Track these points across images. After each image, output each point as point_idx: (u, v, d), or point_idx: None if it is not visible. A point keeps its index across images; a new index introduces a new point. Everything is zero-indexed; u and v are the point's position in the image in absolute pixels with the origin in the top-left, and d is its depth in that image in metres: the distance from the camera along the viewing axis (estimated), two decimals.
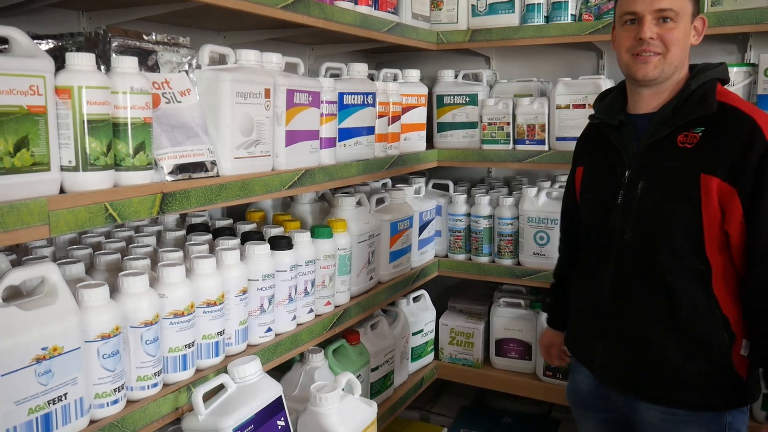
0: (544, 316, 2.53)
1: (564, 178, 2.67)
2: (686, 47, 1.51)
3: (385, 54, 2.95)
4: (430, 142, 2.67)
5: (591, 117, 1.72)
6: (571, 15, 2.43)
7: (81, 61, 1.17)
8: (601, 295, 1.59)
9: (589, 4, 2.42)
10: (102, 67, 1.31)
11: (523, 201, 2.49)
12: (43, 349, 1.10)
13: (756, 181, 1.38)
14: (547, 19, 2.46)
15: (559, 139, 2.43)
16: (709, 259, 1.44)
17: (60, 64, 1.19)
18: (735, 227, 1.41)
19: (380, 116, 2.15)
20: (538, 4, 2.44)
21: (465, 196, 2.66)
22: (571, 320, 1.77)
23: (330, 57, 2.64)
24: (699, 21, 1.53)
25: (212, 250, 1.63)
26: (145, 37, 1.43)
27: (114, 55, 1.33)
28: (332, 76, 2.04)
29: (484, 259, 2.62)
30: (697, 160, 1.43)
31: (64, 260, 1.37)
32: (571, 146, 2.35)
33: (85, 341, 1.19)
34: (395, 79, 2.41)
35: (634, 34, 1.48)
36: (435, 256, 2.69)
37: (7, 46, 1.12)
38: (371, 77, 2.27)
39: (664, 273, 1.48)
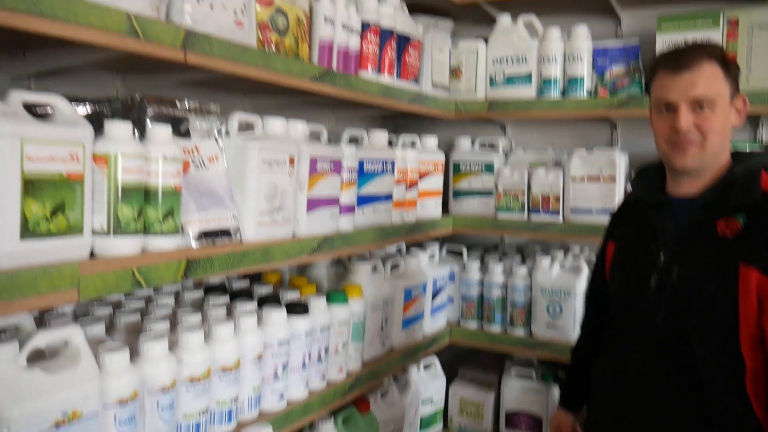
0: (555, 389, 2.50)
1: (577, 249, 2.69)
2: (726, 132, 1.46)
3: (402, 119, 3.01)
4: (445, 207, 2.69)
5: (630, 194, 1.68)
6: (587, 90, 2.48)
7: (119, 130, 1.21)
8: (626, 382, 1.51)
9: (605, 80, 2.48)
10: (136, 133, 1.35)
11: (537, 271, 2.49)
12: (63, 413, 1.09)
13: None
14: (563, 93, 2.51)
15: (573, 210, 2.45)
16: (743, 355, 1.36)
17: (97, 127, 1.22)
18: None
19: (398, 183, 2.18)
20: (555, 79, 2.50)
21: (479, 263, 2.66)
22: (592, 404, 1.69)
23: (351, 120, 2.69)
24: (739, 101, 1.48)
25: (230, 313, 1.64)
26: (178, 104, 1.47)
27: (149, 122, 1.36)
28: (352, 141, 2.08)
29: (497, 328, 2.60)
30: (737, 250, 1.37)
31: (85, 319, 1.37)
32: (586, 219, 2.42)
33: (103, 406, 1.18)
34: (413, 145, 2.45)
35: (670, 122, 1.45)
36: (447, 323, 2.68)
37: (49, 111, 1.16)
38: (390, 142, 2.32)
39: (695, 366, 1.39)
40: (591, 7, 2.70)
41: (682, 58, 1.44)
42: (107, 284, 1.15)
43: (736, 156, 1.51)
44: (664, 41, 2.31)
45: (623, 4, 2.65)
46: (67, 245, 1.11)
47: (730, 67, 1.45)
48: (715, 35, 2.23)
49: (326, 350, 1.82)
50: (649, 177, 1.63)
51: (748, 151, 1.52)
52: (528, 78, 2.56)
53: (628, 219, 1.67)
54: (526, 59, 2.56)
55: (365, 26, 2.02)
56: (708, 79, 1.41)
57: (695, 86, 1.41)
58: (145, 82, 1.73)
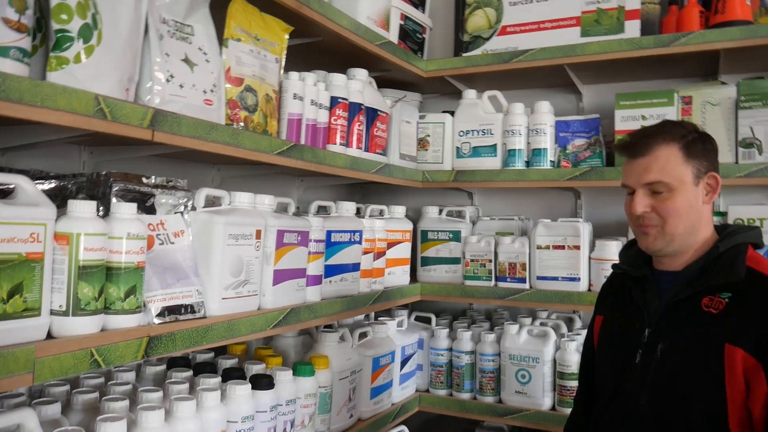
0: None
1: (544, 315, 2.72)
2: (691, 213, 1.45)
3: (372, 186, 3.05)
4: (413, 274, 2.71)
5: (614, 266, 1.67)
6: (550, 161, 2.56)
7: (82, 209, 1.22)
8: None
9: (567, 152, 2.56)
10: (101, 209, 1.35)
11: (505, 338, 2.50)
12: None
13: None
14: (528, 163, 2.58)
15: (539, 278, 2.48)
16: None
17: (60, 203, 1.23)
18: (758, 406, 1.29)
19: (366, 252, 2.20)
20: (519, 149, 2.57)
21: (447, 330, 2.67)
22: None
23: (319, 188, 2.73)
24: (711, 179, 1.47)
25: (192, 388, 1.61)
26: (145, 181, 1.49)
27: (114, 199, 1.38)
28: (320, 210, 2.11)
29: (466, 396, 2.59)
30: (721, 328, 1.34)
31: (41, 400, 1.34)
32: (552, 286, 2.45)
33: None
34: (381, 214, 2.48)
35: (632, 206, 1.48)
36: (416, 391, 2.66)
37: (13, 188, 1.17)
38: (358, 210, 2.35)
39: None
40: (553, 83, 2.82)
41: (638, 144, 1.48)
42: (64, 366, 1.13)
43: (723, 230, 1.52)
44: (622, 116, 2.41)
45: (584, 80, 2.77)
46: (23, 327, 1.10)
47: (693, 148, 1.46)
48: (671, 111, 2.33)
49: (292, 424, 1.79)
50: (635, 250, 1.62)
51: (735, 225, 1.54)
52: (493, 149, 2.64)
53: (615, 292, 1.66)
54: (491, 131, 2.64)
55: (334, 101, 2.07)
56: (663, 164, 1.43)
57: (648, 172, 1.44)
58: (114, 155, 1.75)
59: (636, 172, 1.47)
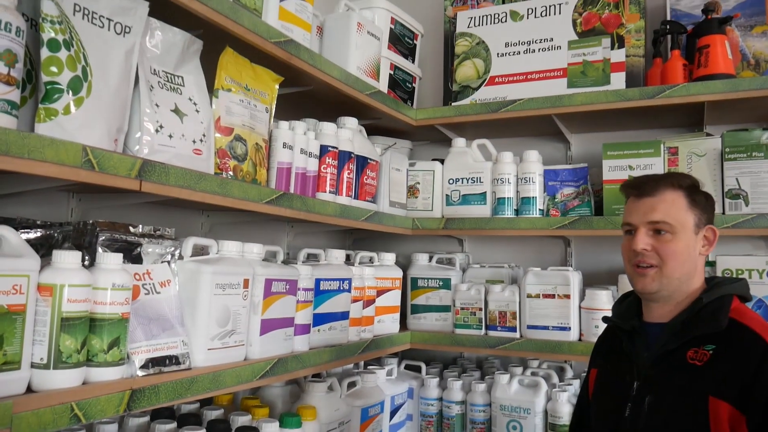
0: None
1: (535, 365, 2.69)
2: (689, 260, 1.48)
3: (362, 232, 3.05)
4: (403, 323, 2.69)
5: (605, 319, 1.70)
6: (539, 209, 2.57)
7: (66, 259, 1.21)
8: None
9: (556, 201, 2.57)
10: (86, 259, 1.34)
11: (496, 388, 2.47)
12: None
13: (766, 410, 1.28)
14: (517, 211, 2.59)
15: (530, 327, 2.47)
16: None
17: (45, 252, 1.22)
18: None
19: (355, 300, 2.19)
20: (509, 197, 2.59)
21: (437, 379, 2.63)
22: None
23: (309, 234, 2.72)
24: (709, 231, 1.52)
25: None
26: (132, 230, 1.48)
27: (100, 249, 1.37)
28: (310, 258, 2.10)
29: None
30: (705, 381, 1.36)
31: None
32: (542, 335, 2.44)
33: None
34: (371, 261, 2.48)
35: (631, 244, 1.50)
36: None
37: None
38: (348, 257, 2.34)
39: None
40: (542, 132, 2.85)
41: (647, 184, 1.52)
42: (43, 421, 1.11)
43: (710, 281, 1.53)
44: (610, 166, 2.44)
45: (572, 129, 2.81)
46: (2, 381, 1.08)
47: (696, 198, 1.51)
48: (657, 162, 2.36)
49: None
50: (627, 303, 1.65)
51: (722, 277, 1.56)
52: (483, 197, 2.65)
53: (608, 345, 1.67)
54: (480, 180, 2.66)
55: (324, 150, 2.09)
56: (668, 206, 1.48)
57: (654, 211, 1.48)
58: (103, 203, 1.75)
59: (641, 211, 1.49)
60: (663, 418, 1.40)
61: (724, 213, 2.23)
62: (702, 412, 1.33)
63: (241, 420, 1.76)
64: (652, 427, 1.41)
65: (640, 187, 1.53)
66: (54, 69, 1.20)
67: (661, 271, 1.46)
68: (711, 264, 2.30)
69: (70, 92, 1.23)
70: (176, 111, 1.51)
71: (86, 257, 1.35)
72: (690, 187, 1.52)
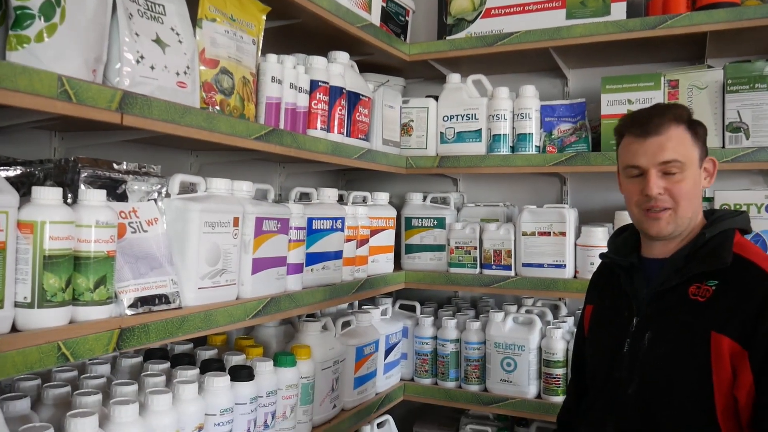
0: None
1: (530, 303, 2.69)
2: (698, 195, 1.45)
3: (355, 172, 3.01)
4: (397, 263, 2.67)
5: (602, 255, 1.64)
6: (536, 146, 2.52)
7: (47, 195, 1.16)
8: None
9: (553, 137, 2.52)
10: (69, 196, 1.30)
11: (490, 326, 2.47)
12: None
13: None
14: (513, 149, 2.54)
15: (525, 264, 2.45)
16: (721, 426, 1.30)
17: (26, 191, 1.17)
18: (743, 393, 1.28)
19: (348, 240, 2.16)
20: (504, 134, 2.53)
21: (432, 318, 2.63)
22: None
23: (301, 175, 2.68)
24: (709, 162, 1.48)
25: (169, 381, 1.56)
26: (116, 167, 1.43)
27: (82, 186, 1.32)
28: (302, 198, 2.06)
29: (451, 384, 2.56)
30: (708, 317, 1.33)
31: (8, 395, 1.29)
32: (537, 273, 2.43)
33: None
34: (364, 201, 2.44)
35: (641, 188, 1.43)
36: (401, 380, 2.63)
37: None
38: (341, 197, 2.30)
39: None
40: (539, 67, 2.78)
41: (650, 122, 1.43)
42: (29, 360, 1.08)
43: (710, 216, 1.49)
44: (608, 100, 2.38)
45: (569, 64, 2.73)
46: None
47: (697, 129, 1.45)
48: (657, 95, 2.30)
49: (273, 416, 1.75)
50: (623, 238, 1.61)
51: (723, 210, 1.52)
52: (478, 134, 2.59)
53: (604, 281, 1.64)
54: (475, 116, 2.59)
55: (314, 85, 2.02)
56: (676, 143, 1.41)
57: (664, 151, 1.40)
58: (85, 141, 1.68)
59: (650, 152, 1.41)
60: (663, 353, 1.39)
61: (723, 147, 2.19)
62: (703, 348, 1.31)
63: (235, 359, 1.75)
64: (652, 363, 1.40)
65: (643, 125, 1.43)
66: None
67: (675, 213, 1.41)
68: (708, 200, 2.27)
69: (42, 18, 1.16)
70: (158, 41, 1.44)
71: (68, 195, 1.30)
72: (689, 119, 1.46)
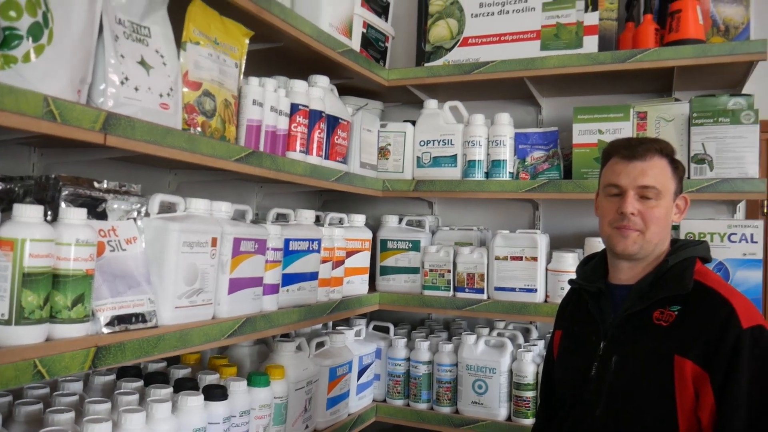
0: None
1: (502, 326, 2.73)
2: (667, 225, 1.53)
3: (333, 193, 3.03)
4: (372, 284, 2.70)
5: (571, 281, 1.72)
6: (509, 173, 2.58)
7: (28, 213, 1.17)
8: None
9: (526, 164, 2.58)
10: (49, 213, 1.31)
11: (462, 348, 2.51)
12: None
13: (727, 370, 1.33)
14: (487, 174, 2.60)
15: (497, 288, 2.50)
16: None
17: (5, 207, 1.18)
18: (706, 414, 1.34)
19: (324, 261, 2.18)
20: (479, 160, 2.59)
21: (405, 340, 2.66)
22: None
23: (279, 195, 2.70)
24: (681, 200, 1.57)
25: (143, 399, 1.56)
26: (96, 185, 1.44)
27: (63, 204, 1.33)
28: (279, 218, 2.08)
29: (423, 406, 2.58)
30: (671, 341, 1.40)
31: None
32: (509, 296, 2.47)
33: None
34: (341, 222, 2.47)
35: (617, 206, 1.51)
36: (373, 401, 2.64)
37: None
38: (318, 218, 2.32)
39: None
40: (513, 95, 2.85)
41: (637, 148, 1.52)
42: (4, 377, 1.08)
43: (674, 244, 1.57)
44: (580, 129, 2.45)
45: (543, 93, 2.81)
46: None
47: (678, 166, 1.56)
48: (627, 126, 2.38)
49: None
50: (592, 265, 1.68)
51: (685, 240, 1.60)
52: (453, 160, 2.65)
53: (573, 307, 1.71)
54: (451, 142, 2.65)
55: (294, 108, 2.05)
56: (657, 172, 1.50)
57: (645, 176, 1.49)
58: (65, 158, 1.69)
59: (632, 174, 1.50)
60: (629, 376, 1.44)
61: (689, 177, 2.27)
62: (667, 371, 1.38)
63: (208, 378, 1.76)
64: (618, 385, 1.45)
65: (631, 149, 1.53)
66: (13, 14, 1.15)
67: (643, 236, 1.49)
68: (675, 228, 2.35)
69: (30, 39, 1.18)
70: (142, 63, 1.46)
71: (49, 212, 1.31)
72: (673, 156, 1.55)
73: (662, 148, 1.54)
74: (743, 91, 2.45)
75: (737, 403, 1.32)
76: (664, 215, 1.51)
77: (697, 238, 2.23)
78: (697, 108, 2.28)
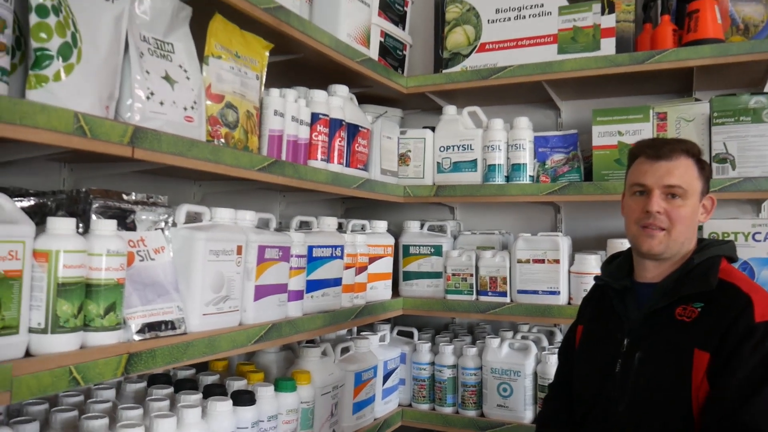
0: None
1: (525, 329, 2.73)
2: (693, 225, 1.54)
3: (354, 200, 3.07)
4: (395, 289, 2.72)
5: (596, 278, 1.74)
6: (530, 176, 2.59)
7: (61, 225, 1.22)
8: None
9: (546, 167, 2.59)
10: (80, 227, 1.35)
11: (487, 351, 2.52)
12: None
13: (729, 356, 1.35)
14: (508, 178, 2.61)
15: (520, 291, 2.50)
16: None
17: (39, 220, 1.23)
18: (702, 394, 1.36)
19: (347, 267, 2.21)
20: (499, 164, 2.60)
21: (429, 344, 2.67)
22: None
23: (301, 203, 2.74)
24: (708, 200, 1.58)
25: (173, 405, 1.60)
26: (125, 197, 1.49)
27: (94, 216, 1.38)
28: (302, 226, 2.12)
29: (448, 410, 2.60)
30: (692, 335, 1.41)
31: (18, 419, 1.33)
32: (532, 299, 2.47)
33: None
34: (363, 229, 2.50)
35: (642, 205, 1.52)
36: (399, 405, 2.66)
37: None
38: (340, 225, 2.36)
39: None
40: (532, 99, 2.86)
41: (663, 148, 1.54)
42: (42, 384, 1.13)
43: (700, 243, 1.58)
44: (599, 132, 2.45)
45: (562, 96, 2.81)
46: (1, 345, 1.09)
47: (704, 166, 1.56)
48: (647, 127, 2.38)
49: None
50: (617, 263, 1.70)
51: (711, 239, 1.61)
52: (474, 164, 2.67)
53: (596, 303, 1.72)
54: (471, 147, 2.67)
55: (315, 117, 2.09)
56: (683, 171, 1.51)
57: (671, 175, 1.50)
58: (94, 172, 1.75)
59: (657, 174, 1.51)
60: (652, 372, 1.46)
61: (711, 177, 2.25)
62: (686, 365, 1.39)
63: (237, 384, 1.79)
64: (641, 381, 1.47)
65: (656, 149, 1.54)
66: (43, 35, 1.20)
67: (669, 235, 1.50)
68: (698, 228, 2.33)
69: (60, 59, 1.23)
70: (167, 78, 1.51)
71: (80, 225, 1.36)
72: (699, 156, 1.56)
73: (688, 149, 1.54)
74: (765, 90, 2.43)
75: (727, 390, 1.33)
76: (690, 215, 1.51)
77: (721, 238, 2.22)
78: (718, 107, 2.27)
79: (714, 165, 2.26)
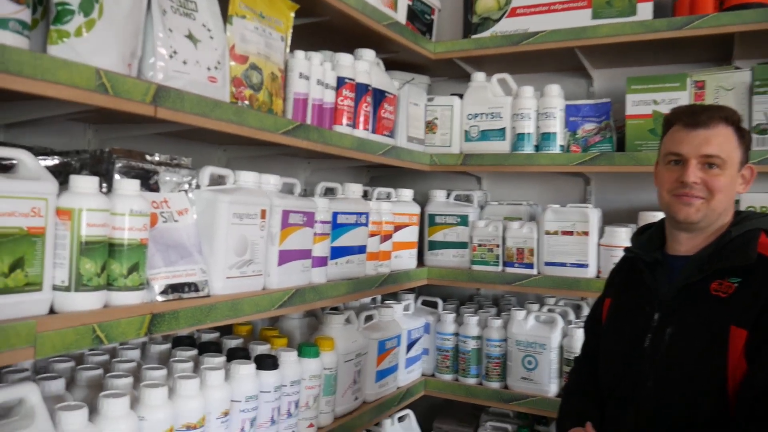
0: None
1: (552, 302, 2.70)
2: (732, 195, 1.47)
3: (380, 169, 3.04)
4: (420, 259, 2.70)
5: (626, 250, 1.67)
6: (560, 146, 2.53)
7: (84, 184, 1.21)
8: None
9: (577, 137, 2.53)
10: (104, 185, 1.35)
11: (512, 323, 2.49)
12: None
13: (765, 331, 1.30)
14: (537, 148, 2.55)
15: (547, 263, 2.46)
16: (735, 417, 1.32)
17: (63, 180, 1.22)
18: (739, 373, 1.31)
19: (372, 235, 2.19)
20: (528, 133, 2.54)
21: (454, 315, 2.65)
22: None
23: (327, 170, 2.72)
24: (747, 170, 1.51)
25: (197, 367, 1.61)
26: (148, 158, 1.48)
27: (117, 175, 1.37)
28: (327, 192, 2.09)
29: (472, 381, 2.58)
30: (728, 312, 1.35)
31: (44, 375, 1.34)
32: (560, 272, 2.43)
33: None
34: (388, 197, 2.47)
35: (677, 175, 1.46)
36: (422, 375, 2.65)
37: (15, 163, 1.16)
38: (365, 194, 2.33)
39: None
40: (563, 67, 2.78)
41: (701, 115, 1.46)
42: (65, 341, 1.13)
43: (736, 216, 1.51)
44: (633, 100, 2.38)
45: (595, 64, 2.73)
46: (25, 301, 1.09)
47: (744, 134, 1.48)
48: (683, 96, 2.29)
49: (296, 405, 1.78)
50: (648, 235, 1.63)
51: (748, 211, 1.54)
52: (502, 133, 2.61)
53: (625, 276, 1.66)
54: (500, 115, 2.61)
55: (341, 81, 2.05)
56: (722, 140, 1.44)
57: (709, 144, 1.43)
58: (118, 133, 1.74)
59: (695, 142, 1.44)
60: (683, 348, 1.40)
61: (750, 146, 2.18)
62: (722, 342, 1.33)
63: (260, 349, 1.79)
64: (672, 356, 1.42)
65: (694, 116, 1.47)
66: None
67: (707, 204, 1.43)
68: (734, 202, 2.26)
69: (82, 14, 1.20)
70: (190, 37, 1.48)
71: (103, 184, 1.35)
72: (739, 124, 1.48)
73: (728, 116, 1.47)
74: None
75: (766, 367, 1.28)
76: (729, 184, 1.44)
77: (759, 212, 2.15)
78: (760, 76, 2.18)
79: (754, 136, 2.18)
